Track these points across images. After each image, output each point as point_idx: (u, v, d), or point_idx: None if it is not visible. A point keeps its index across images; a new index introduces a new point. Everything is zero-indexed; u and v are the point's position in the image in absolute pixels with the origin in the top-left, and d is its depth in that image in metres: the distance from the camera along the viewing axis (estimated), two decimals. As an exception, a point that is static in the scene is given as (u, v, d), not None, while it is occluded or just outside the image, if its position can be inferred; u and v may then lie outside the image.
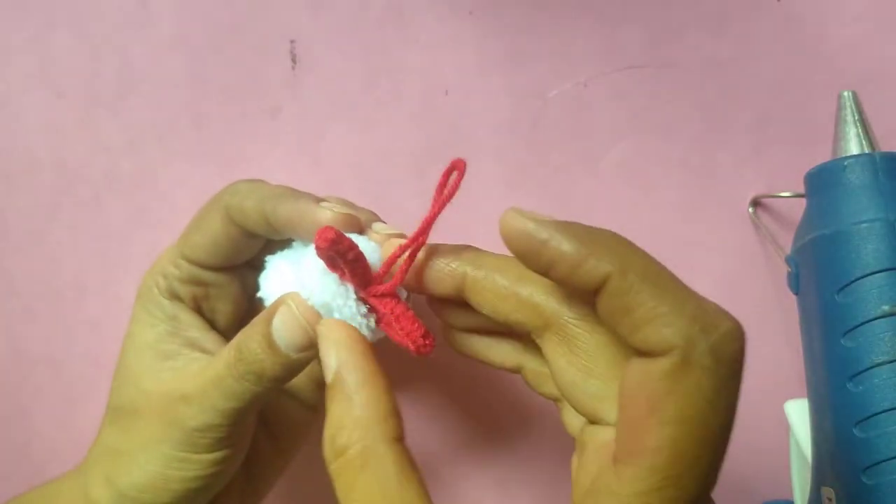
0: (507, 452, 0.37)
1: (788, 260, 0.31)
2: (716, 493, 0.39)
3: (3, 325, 0.34)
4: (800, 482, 0.35)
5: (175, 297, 0.29)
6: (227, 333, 0.30)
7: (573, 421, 0.25)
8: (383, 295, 0.24)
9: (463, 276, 0.24)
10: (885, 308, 0.27)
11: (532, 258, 0.21)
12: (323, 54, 0.33)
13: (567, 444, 0.37)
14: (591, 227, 0.21)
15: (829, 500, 0.28)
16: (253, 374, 0.25)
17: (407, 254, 0.24)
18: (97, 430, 0.29)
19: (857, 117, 0.30)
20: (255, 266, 0.29)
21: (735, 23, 0.34)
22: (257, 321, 0.26)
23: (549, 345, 0.23)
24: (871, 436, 0.26)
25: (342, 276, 0.24)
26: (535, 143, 0.35)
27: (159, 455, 0.27)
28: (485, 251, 0.25)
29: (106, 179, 0.34)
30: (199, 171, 0.34)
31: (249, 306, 0.31)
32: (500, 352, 0.27)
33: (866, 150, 0.29)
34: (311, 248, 0.24)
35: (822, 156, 0.30)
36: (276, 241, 0.28)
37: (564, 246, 0.21)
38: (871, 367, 0.27)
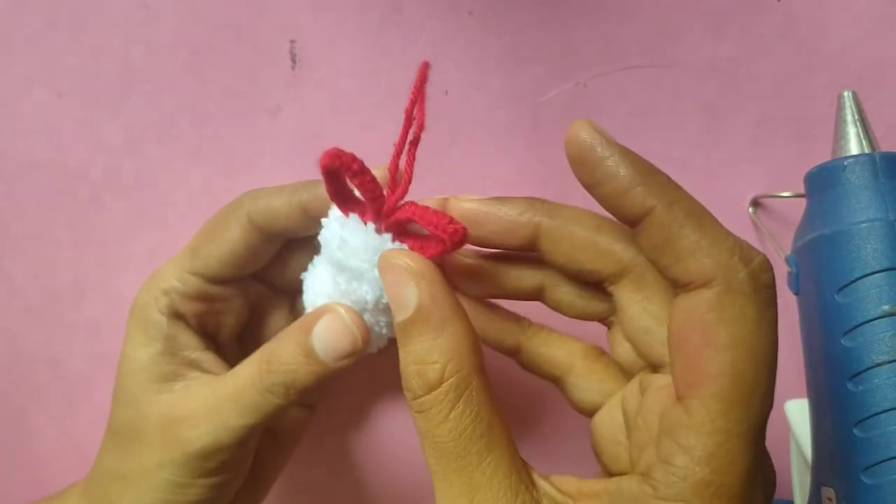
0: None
1: (788, 260, 0.31)
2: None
3: (2, 325, 0.34)
4: (800, 482, 0.35)
5: (176, 315, 0.28)
6: (227, 348, 0.30)
7: (583, 396, 0.26)
8: (398, 206, 0.24)
9: (538, 226, 0.24)
10: (885, 308, 0.27)
11: (586, 170, 0.22)
12: (323, 54, 0.33)
13: (567, 439, 0.37)
14: (648, 163, 0.22)
15: (829, 499, 0.28)
16: (282, 386, 0.25)
17: (405, 154, 0.24)
18: (97, 449, 0.29)
19: (856, 117, 0.30)
20: (261, 278, 0.29)
21: (735, 23, 0.34)
22: (291, 330, 0.25)
23: (624, 291, 0.24)
24: (871, 436, 0.26)
25: (354, 206, 0.24)
26: (535, 143, 0.35)
27: (160, 481, 0.26)
28: (556, 203, 0.25)
29: (106, 179, 0.34)
30: (199, 170, 0.34)
31: (251, 318, 0.30)
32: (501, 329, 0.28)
33: (866, 150, 0.29)
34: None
35: (822, 156, 0.30)
36: (292, 249, 0.28)
37: (621, 170, 0.22)
38: (871, 367, 0.27)
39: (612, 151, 0.22)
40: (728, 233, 0.22)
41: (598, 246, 0.24)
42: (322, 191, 0.26)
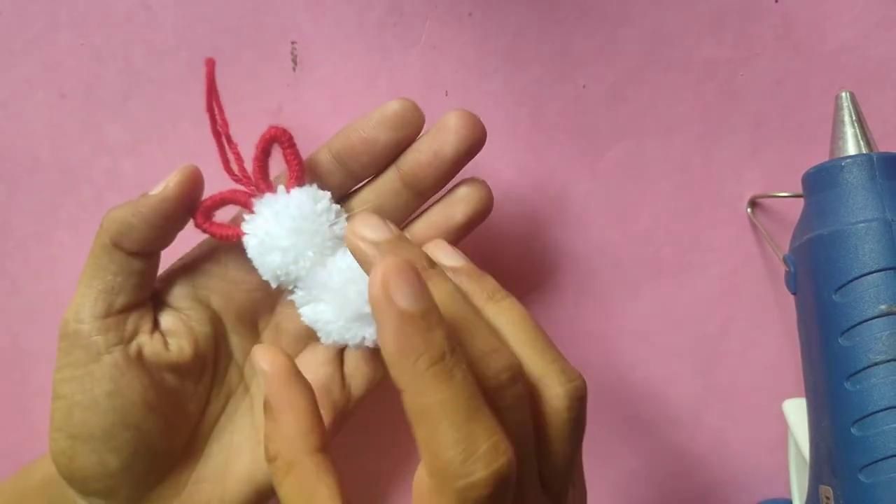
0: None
1: (786, 259, 0.31)
2: (715, 492, 0.40)
3: (4, 325, 0.34)
4: (798, 481, 0.35)
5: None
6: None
7: None
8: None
9: None
10: (883, 307, 0.27)
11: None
12: (323, 55, 0.34)
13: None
14: None
15: (827, 498, 0.28)
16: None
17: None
18: None
19: (854, 118, 0.30)
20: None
21: (733, 23, 0.35)
22: None
23: None
24: (869, 434, 0.27)
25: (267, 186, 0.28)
26: (535, 144, 0.35)
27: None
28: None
29: (108, 180, 0.34)
30: (200, 171, 0.34)
31: None
32: None
33: (864, 151, 0.29)
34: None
35: (820, 156, 0.30)
36: None
37: None
38: (869, 367, 0.27)
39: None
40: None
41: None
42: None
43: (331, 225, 0.28)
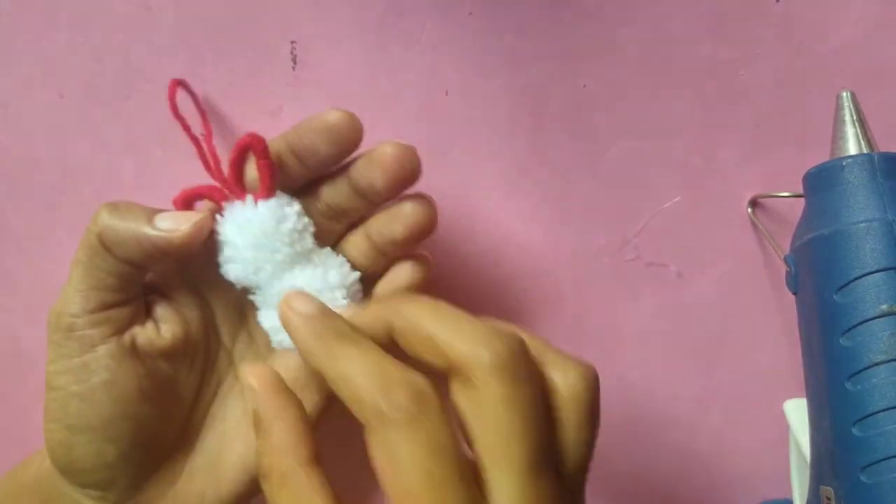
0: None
1: (787, 259, 0.31)
2: (716, 492, 0.40)
3: (4, 325, 0.34)
4: (799, 481, 0.35)
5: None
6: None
7: None
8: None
9: (390, 328, 0.26)
10: (884, 307, 0.27)
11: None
12: (323, 55, 0.34)
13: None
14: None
15: (828, 499, 0.28)
16: (93, 235, 0.27)
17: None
18: None
19: (855, 117, 0.30)
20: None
21: (733, 23, 0.35)
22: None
23: (454, 385, 0.24)
24: (870, 435, 0.26)
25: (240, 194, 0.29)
26: (535, 144, 0.35)
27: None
28: (406, 300, 0.26)
29: (107, 180, 0.34)
30: (201, 171, 0.34)
31: None
32: None
33: (865, 151, 0.29)
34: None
35: (821, 156, 0.30)
36: None
37: None
38: (870, 367, 0.27)
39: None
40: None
41: (433, 341, 0.24)
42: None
43: (291, 243, 0.28)
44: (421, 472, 0.22)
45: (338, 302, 0.28)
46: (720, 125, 0.35)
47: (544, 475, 0.23)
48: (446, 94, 0.34)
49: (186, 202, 0.29)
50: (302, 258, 0.29)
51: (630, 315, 0.36)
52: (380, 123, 0.34)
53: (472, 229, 0.35)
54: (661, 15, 0.34)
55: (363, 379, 0.23)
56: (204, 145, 0.29)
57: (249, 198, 0.28)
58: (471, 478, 0.22)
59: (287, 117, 0.34)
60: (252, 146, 0.28)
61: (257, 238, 0.28)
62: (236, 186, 0.29)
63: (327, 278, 0.29)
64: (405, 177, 0.28)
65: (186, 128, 0.29)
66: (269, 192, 0.28)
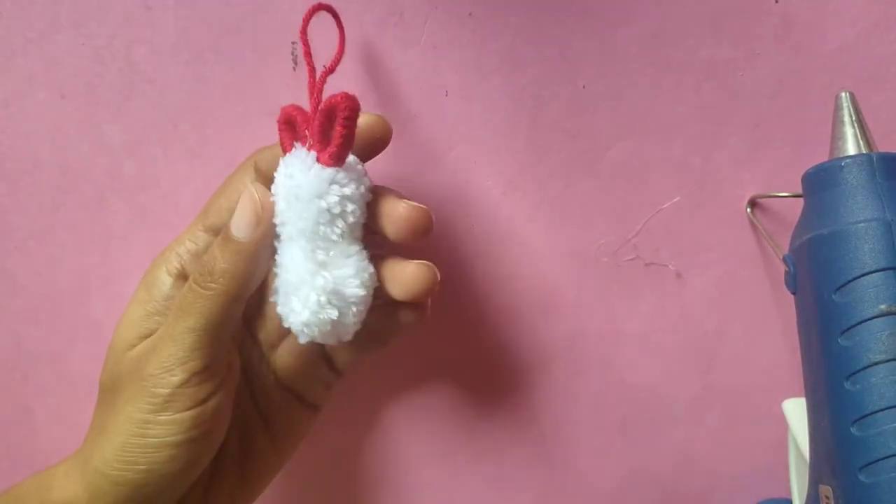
0: (499, 450, 0.37)
1: (786, 259, 0.31)
2: (715, 491, 0.40)
3: (5, 325, 0.35)
4: (798, 480, 0.35)
5: (182, 276, 0.29)
6: None
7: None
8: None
9: None
10: (883, 307, 0.27)
11: None
12: (324, 56, 0.34)
13: (562, 444, 0.37)
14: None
15: (827, 498, 0.28)
16: (205, 275, 0.27)
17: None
18: None
19: (854, 118, 0.30)
20: None
21: (732, 23, 0.35)
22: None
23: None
24: (869, 434, 0.27)
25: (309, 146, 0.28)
26: (535, 144, 0.35)
27: (125, 419, 0.26)
28: None
29: (108, 180, 0.34)
30: (200, 171, 0.34)
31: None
32: None
33: (864, 151, 0.29)
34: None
35: (820, 156, 0.30)
36: None
37: None
38: (869, 366, 0.27)
39: None
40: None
41: None
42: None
43: (317, 222, 0.27)
44: None
45: (353, 291, 0.28)
46: (719, 125, 0.35)
47: None
48: (446, 94, 0.34)
49: (288, 123, 0.28)
50: (325, 241, 0.28)
51: (629, 315, 0.37)
52: (380, 123, 0.34)
53: (472, 229, 0.35)
54: (661, 15, 0.34)
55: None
56: (317, 76, 0.29)
57: (311, 155, 0.27)
58: None
59: (287, 117, 0.34)
60: (338, 108, 0.27)
61: (289, 195, 0.27)
62: (315, 135, 0.27)
63: (343, 271, 0.28)
64: (416, 236, 0.28)
65: (307, 53, 0.29)
66: (329, 160, 0.27)
